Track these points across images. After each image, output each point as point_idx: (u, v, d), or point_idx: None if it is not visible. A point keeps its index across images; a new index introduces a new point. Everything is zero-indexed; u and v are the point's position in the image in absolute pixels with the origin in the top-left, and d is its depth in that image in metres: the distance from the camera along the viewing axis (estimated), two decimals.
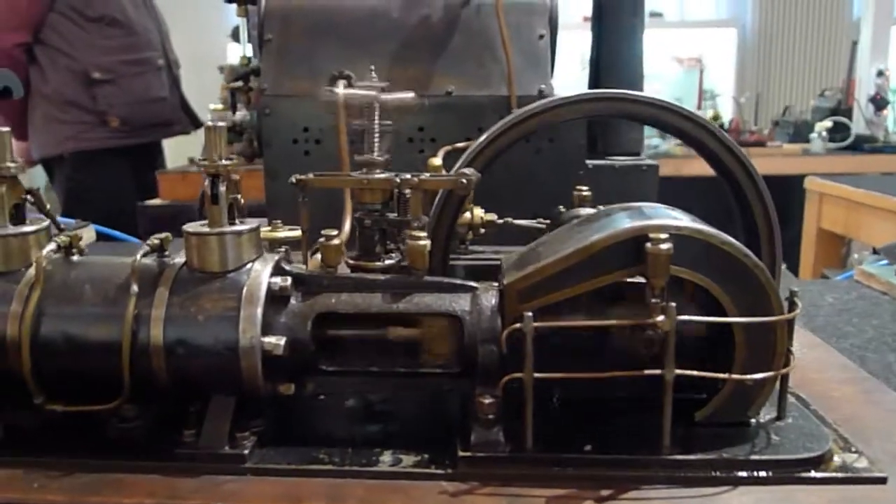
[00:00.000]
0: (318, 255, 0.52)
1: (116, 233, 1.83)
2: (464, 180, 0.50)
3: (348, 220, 0.95)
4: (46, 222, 0.48)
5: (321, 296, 0.46)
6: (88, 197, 2.10)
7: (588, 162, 1.06)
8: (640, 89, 1.13)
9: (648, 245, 0.40)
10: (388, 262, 0.53)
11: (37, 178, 2.60)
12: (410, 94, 0.56)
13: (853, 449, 0.43)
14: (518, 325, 0.41)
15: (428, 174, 0.53)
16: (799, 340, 0.64)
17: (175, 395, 0.45)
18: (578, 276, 0.43)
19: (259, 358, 0.43)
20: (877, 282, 1.29)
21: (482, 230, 0.83)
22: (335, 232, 0.47)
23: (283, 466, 0.42)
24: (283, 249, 0.51)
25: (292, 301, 0.46)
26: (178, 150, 2.42)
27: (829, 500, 0.39)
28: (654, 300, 0.41)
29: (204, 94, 2.39)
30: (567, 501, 0.40)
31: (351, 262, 0.53)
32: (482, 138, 0.56)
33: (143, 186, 2.23)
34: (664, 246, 0.40)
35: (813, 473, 0.41)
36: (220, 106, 2.13)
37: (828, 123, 3.07)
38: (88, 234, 1.52)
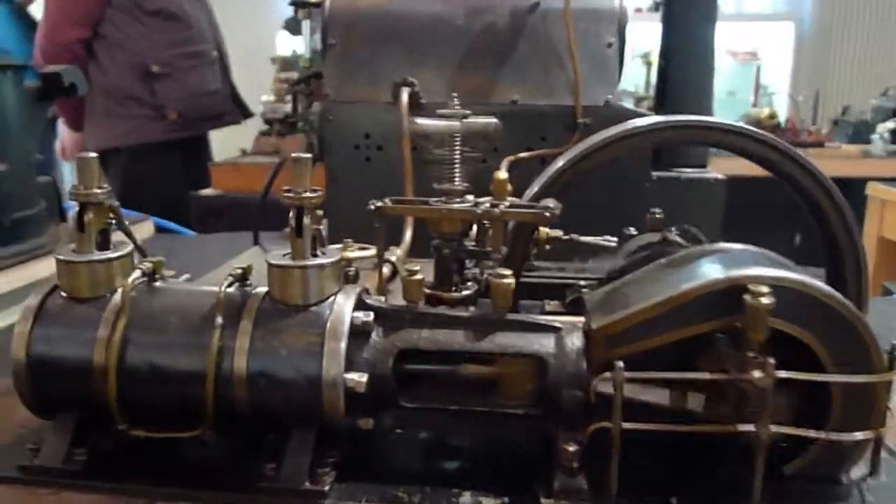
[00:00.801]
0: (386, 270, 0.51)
1: (173, 225, 1.87)
2: (547, 213, 0.49)
3: (410, 230, 0.95)
4: (130, 247, 0.48)
5: (403, 331, 0.45)
6: (144, 188, 2.14)
7: (653, 173, 1.04)
8: (711, 84, 1.09)
9: (748, 297, 0.39)
10: (465, 292, 0.52)
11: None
12: (493, 121, 0.55)
13: None
14: (608, 374, 0.40)
15: (507, 203, 0.52)
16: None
17: (255, 425, 0.45)
18: (670, 325, 0.41)
19: (342, 393, 0.43)
20: None
21: (547, 246, 0.82)
22: (417, 267, 0.46)
23: (364, 502, 0.42)
24: (352, 269, 0.51)
25: (374, 336, 0.45)
26: (226, 141, 2.45)
27: None
28: (750, 354, 0.40)
29: (253, 84, 2.41)
30: None
31: (428, 291, 0.52)
32: (557, 166, 0.55)
33: (195, 176, 2.26)
34: (765, 300, 0.39)
35: None
36: (272, 97, 2.14)
37: (890, 125, 2.97)
38: (147, 227, 1.55)
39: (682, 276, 0.43)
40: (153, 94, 2.00)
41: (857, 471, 0.44)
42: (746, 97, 3.69)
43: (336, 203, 1.08)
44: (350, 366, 0.44)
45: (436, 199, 0.53)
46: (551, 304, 0.77)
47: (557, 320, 0.46)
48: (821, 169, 0.52)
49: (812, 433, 0.41)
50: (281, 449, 0.44)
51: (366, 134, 1.04)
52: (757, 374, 0.39)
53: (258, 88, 2.33)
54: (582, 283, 0.68)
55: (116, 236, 0.49)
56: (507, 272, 0.45)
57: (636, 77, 3.27)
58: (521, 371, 0.45)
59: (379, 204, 0.52)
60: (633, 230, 0.74)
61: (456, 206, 0.51)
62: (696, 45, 1.09)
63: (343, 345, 0.43)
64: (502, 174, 0.88)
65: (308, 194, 0.45)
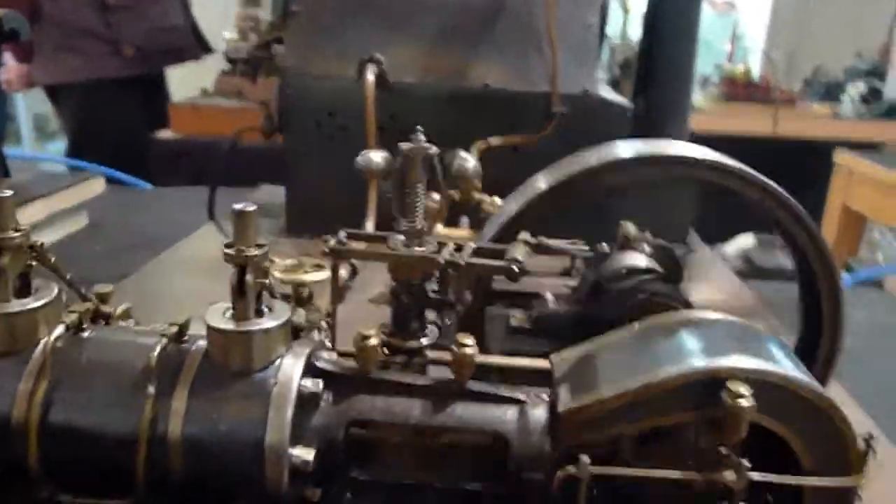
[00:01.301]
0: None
1: (127, 177, 1.78)
2: (514, 267, 0.46)
3: (371, 218, 0.90)
4: (55, 291, 0.43)
5: (355, 398, 0.42)
6: (98, 128, 2.04)
7: None
8: (696, 37, 1.04)
9: (726, 397, 0.36)
10: (423, 340, 0.49)
11: (39, 102, 2.52)
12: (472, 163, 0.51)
13: None
14: (573, 469, 0.37)
15: (472, 248, 0.48)
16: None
17: (192, 496, 0.42)
18: (643, 414, 0.39)
19: (286, 469, 0.39)
20: None
21: None
22: (372, 331, 0.42)
23: None
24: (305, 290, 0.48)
25: (323, 403, 0.42)
26: (185, 80, 2.33)
27: None
28: (724, 452, 0.37)
29: (215, 18, 2.28)
30: None
31: (384, 338, 0.48)
32: (514, 209, 0.51)
33: (152, 117, 2.17)
34: (745, 403, 0.36)
35: None
36: (235, 36, 2.03)
37: (861, 86, 2.95)
38: (98, 184, 1.47)
39: (657, 359, 0.40)
40: (108, 28, 1.88)
41: None
42: (722, 47, 3.64)
43: (294, 186, 1.03)
44: (297, 437, 0.40)
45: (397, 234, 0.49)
46: (517, 318, 0.74)
47: (521, 391, 0.43)
48: (791, 129, 0.50)
49: None
50: None
51: (329, 112, 0.98)
52: (730, 474, 0.37)
53: (221, 22, 2.20)
54: (549, 296, 0.65)
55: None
56: (470, 342, 0.42)
57: (613, 23, 3.18)
58: (484, 448, 0.42)
59: (332, 245, 0.47)
60: (605, 247, 0.70)
61: (418, 252, 0.46)
62: (682, 26, 1.04)
63: (289, 416, 0.40)
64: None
65: (253, 252, 0.40)
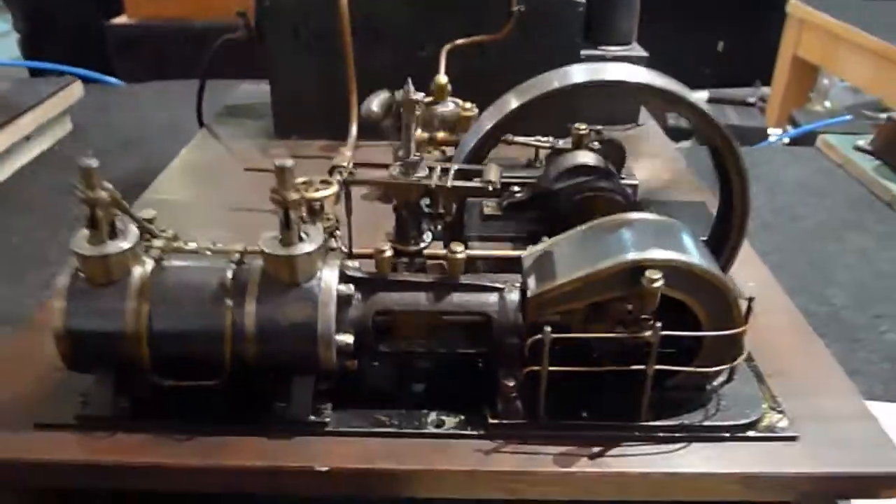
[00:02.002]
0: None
1: (99, 75, 1.82)
2: (490, 187, 0.59)
3: (355, 125, 1.01)
4: (136, 235, 0.56)
5: (377, 295, 0.57)
6: (50, 20, 2.03)
7: (582, 52, 1.11)
8: None
9: (643, 280, 0.51)
10: (422, 244, 0.63)
11: None
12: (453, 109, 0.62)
13: (779, 409, 0.59)
14: (539, 336, 0.53)
15: (455, 168, 0.61)
16: (756, 277, 0.78)
17: (264, 375, 0.57)
18: (588, 294, 0.54)
19: (334, 350, 0.55)
20: (836, 153, 1.40)
21: None
22: (386, 246, 0.56)
23: (355, 429, 0.56)
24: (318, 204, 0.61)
25: (355, 301, 0.56)
26: None
27: (749, 453, 0.55)
28: (644, 317, 0.53)
29: None
30: (568, 455, 0.55)
31: (390, 243, 0.63)
32: (483, 131, 0.63)
33: (106, 3, 2.15)
34: (656, 284, 0.51)
35: (747, 433, 0.56)
36: None
37: None
38: (77, 89, 1.52)
39: (597, 253, 0.54)
40: None
41: (718, 379, 0.60)
42: None
43: (278, 92, 1.11)
44: (338, 327, 0.55)
45: (396, 162, 0.62)
46: (489, 207, 0.88)
47: (500, 280, 0.58)
48: None
49: (689, 370, 0.56)
50: (286, 391, 0.56)
51: (304, 19, 1.05)
52: (648, 333, 0.53)
53: None
54: (515, 187, 0.78)
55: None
56: (460, 248, 0.56)
57: None
58: (474, 323, 0.57)
59: (347, 178, 0.60)
60: (560, 143, 0.84)
61: (413, 178, 0.59)
62: None
63: (332, 312, 0.54)
64: (442, 78, 0.94)
65: (293, 196, 0.53)
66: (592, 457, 0.55)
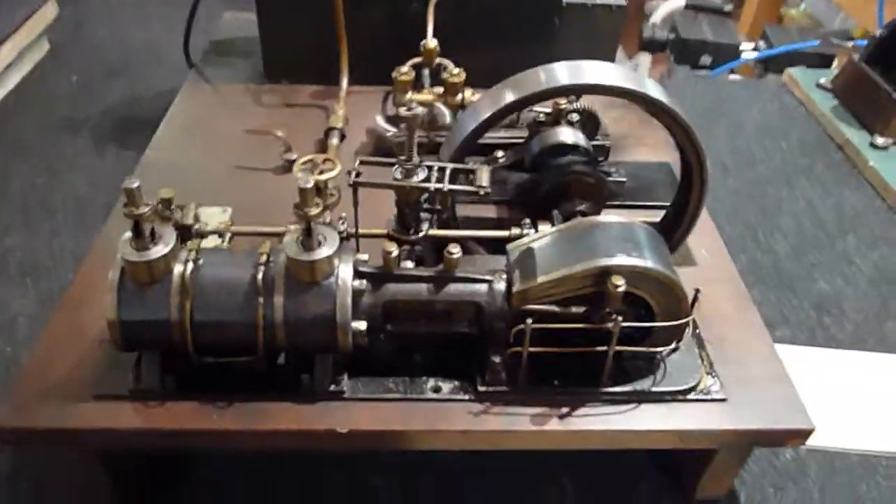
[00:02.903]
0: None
1: None
2: (481, 192, 0.68)
3: (345, 79, 1.06)
4: (173, 239, 0.64)
5: (386, 287, 0.67)
6: None
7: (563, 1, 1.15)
8: None
9: (609, 284, 0.62)
10: (420, 233, 0.72)
11: None
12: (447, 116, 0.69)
13: (713, 374, 0.71)
14: (521, 326, 0.64)
15: (450, 169, 0.69)
16: (709, 245, 0.89)
17: (291, 354, 0.67)
18: (562, 290, 0.65)
19: (350, 335, 0.65)
20: (799, 90, 1.49)
21: None
22: (393, 246, 0.65)
23: (369, 395, 0.68)
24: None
25: (367, 293, 0.66)
26: None
27: (686, 413, 0.68)
28: (608, 311, 0.64)
29: None
30: (542, 416, 0.67)
31: (391, 233, 0.72)
32: (467, 131, 0.72)
33: None
34: (620, 289, 0.62)
35: (686, 397, 0.69)
36: None
37: None
38: (51, 9, 1.50)
39: (571, 256, 0.65)
40: None
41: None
42: None
43: (268, 37, 1.14)
44: (354, 315, 0.65)
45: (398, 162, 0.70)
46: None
47: (489, 273, 0.68)
48: None
49: (643, 350, 0.68)
50: (310, 366, 0.67)
51: None
52: (611, 324, 0.64)
53: None
54: (500, 152, 0.86)
55: None
56: (456, 249, 0.66)
57: None
58: (468, 309, 0.68)
59: (354, 180, 0.68)
60: (541, 115, 0.91)
61: (414, 182, 0.68)
62: None
63: (348, 304, 0.64)
64: (431, 42, 1.00)
65: (313, 212, 0.61)
66: (561, 416, 0.68)
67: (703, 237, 0.88)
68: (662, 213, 0.86)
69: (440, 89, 1.01)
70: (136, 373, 0.67)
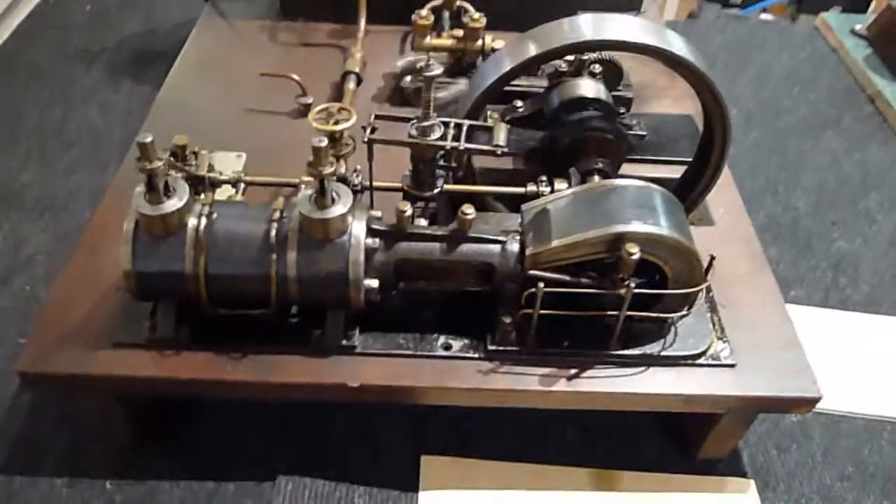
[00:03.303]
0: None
1: None
2: (498, 151, 0.67)
3: (363, 20, 1.03)
4: (186, 192, 0.64)
5: (398, 245, 0.66)
6: None
7: None
8: None
9: (623, 251, 0.61)
10: (435, 190, 0.71)
11: None
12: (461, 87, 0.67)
13: (724, 339, 0.72)
14: (533, 289, 0.64)
15: (467, 126, 0.68)
16: (728, 203, 0.87)
17: (303, 309, 0.68)
18: (578, 254, 0.64)
19: (362, 293, 0.66)
20: (832, 36, 1.43)
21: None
22: (407, 206, 0.65)
23: (379, 351, 0.69)
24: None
25: (379, 251, 0.66)
26: None
27: (694, 378, 0.69)
28: (621, 277, 0.64)
29: None
30: (551, 376, 0.68)
31: (407, 188, 0.71)
32: (511, 65, 0.70)
33: None
34: (634, 256, 0.61)
35: (697, 362, 0.70)
36: None
37: None
38: None
39: (587, 219, 0.64)
40: None
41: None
42: None
43: None
44: (367, 273, 0.65)
45: (413, 119, 0.68)
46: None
47: (503, 235, 0.67)
48: None
49: (655, 315, 0.67)
50: (322, 321, 0.68)
51: None
52: (622, 290, 0.64)
53: None
54: (518, 102, 0.84)
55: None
56: (470, 210, 0.65)
57: None
58: (480, 268, 0.68)
59: (369, 136, 0.67)
60: (563, 65, 0.89)
61: (430, 139, 0.67)
62: None
63: (361, 261, 0.64)
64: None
65: (327, 170, 0.60)
66: (569, 378, 0.68)
67: (723, 195, 0.87)
68: (683, 168, 0.85)
69: (460, 32, 0.98)
70: (152, 322, 0.68)
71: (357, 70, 0.97)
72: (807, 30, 1.47)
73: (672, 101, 1.04)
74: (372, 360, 0.69)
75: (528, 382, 0.68)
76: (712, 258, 0.67)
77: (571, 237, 0.64)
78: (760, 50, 1.40)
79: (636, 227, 0.63)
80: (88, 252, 0.77)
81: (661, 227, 0.63)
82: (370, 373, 0.68)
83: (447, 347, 0.70)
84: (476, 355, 0.69)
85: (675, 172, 0.88)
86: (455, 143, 0.67)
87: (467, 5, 0.96)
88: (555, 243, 0.64)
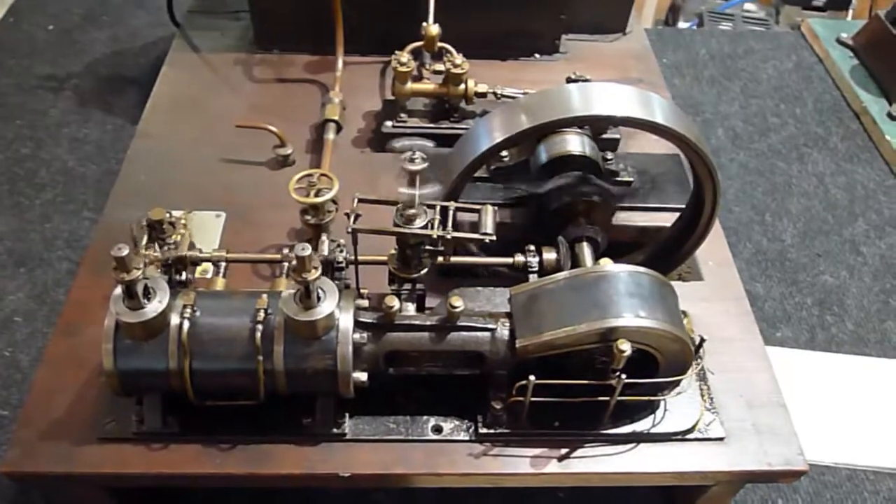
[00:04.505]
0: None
1: None
2: (486, 240, 0.65)
3: (341, 59, 1.00)
4: (167, 292, 0.62)
5: (387, 337, 0.65)
6: None
7: None
8: None
9: (615, 347, 0.61)
10: (422, 272, 0.70)
11: None
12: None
13: (713, 410, 0.72)
14: (525, 381, 0.64)
15: (453, 211, 0.67)
16: (716, 256, 0.87)
17: (292, 399, 0.67)
18: (569, 344, 0.64)
19: (352, 385, 0.65)
20: (818, 45, 1.41)
21: (475, 100, 0.94)
22: (395, 302, 0.64)
23: (370, 437, 0.68)
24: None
25: (367, 343, 0.65)
26: None
27: (685, 453, 0.69)
28: (613, 368, 0.63)
29: None
30: (543, 456, 0.68)
31: (393, 269, 0.70)
32: (502, 137, 0.69)
33: None
34: (626, 353, 0.61)
35: (686, 437, 0.70)
36: None
37: None
38: None
39: (577, 312, 0.63)
40: None
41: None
42: None
43: (259, 5, 1.06)
44: (355, 366, 0.64)
45: (398, 203, 0.67)
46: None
47: (492, 321, 0.66)
48: None
49: (644, 398, 0.67)
50: (312, 409, 0.67)
51: None
52: (613, 382, 0.64)
53: None
54: (504, 154, 0.83)
55: None
56: (458, 303, 0.64)
57: None
58: (469, 356, 0.67)
59: (357, 228, 0.65)
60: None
61: (417, 230, 0.65)
62: None
63: (349, 357, 0.63)
64: (433, 28, 0.94)
65: (312, 275, 0.59)
66: (560, 458, 0.69)
67: (711, 247, 0.86)
68: (672, 215, 0.84)
69: (441, 67, 0.95)
70: (139, 414, 0.67)
71: (336, 118, 0.94)
72: (791, 40, 1.45)
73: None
74: (362, 446, 0.68)
75: (520, 465, 0.68)
76: (702, 340, 0.67)
77: (563, 329, 0.63)
78: (746, 61, 1.38)
79: (628, 320, 0.62)
80: (67, 333, 0.76)
81: (652, 320, 0.63)
82: (361, 461, 0.67)
83: (437, 430, 0.69)
84: (467, 437, 0.69)
85: (665, 221, 0.87)
86: (442, 233, 0.65)
87: (448, 47, 0.94)
88: (546, 336, 0.64)
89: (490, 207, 0.68)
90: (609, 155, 0.92)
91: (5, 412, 0.84)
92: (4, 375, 0.88)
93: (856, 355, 0.94)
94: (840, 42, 1.37)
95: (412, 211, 0.66)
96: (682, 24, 1.74)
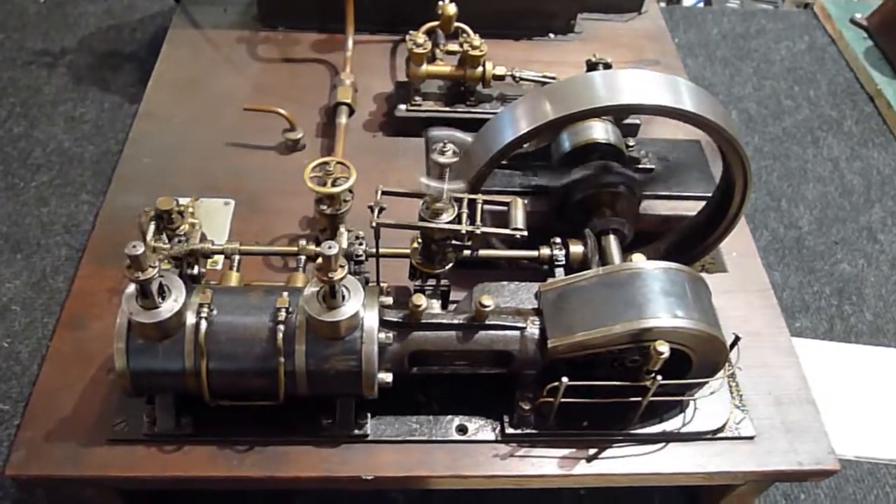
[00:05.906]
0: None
1: None
2: (517, 235, 0.63)
3: (350, 39, 0.96)
4: (182, 292, 0.59)
5: (412, 336, 0.63)
6: None
7: None
8: None
9: (652, 349, 0.59)
10: (447, 266, 0.67)
11: None
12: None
13: (743, 409, 0.70)
14: (556, 383, 0.61)
15: (482, 201, 0.64)
16: (739, 249, 0.84)
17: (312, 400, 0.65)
18: (601, 344, 0.61)
19: (376, 385, 0.62)
20: (831, 26, 1.38)
21: (492, 82, 0.90)
22: (422, 300, 0.61)
23: (392, 438, 0.66)
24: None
25: (393, 343, 0.62)
26: None
27: (714, 452, 0.68)
28: (646, 369, 0.61)
29: None
30: (570, 457, 0.66)
31: (416, 263, 0.67)
32: (528, 128, 0.67)
33: None
34: (663, 355, 0.59)
35: (716, 436, 0.68)
36: None
37: None
38: None
39: (611, 312, 0.61)
40: None
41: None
42: None
43: None
44: (380, 366, 0.62)
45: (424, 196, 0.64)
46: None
47: (521, 319, 0.64)
48: None
49: (674, 398, 0.65)
50: (332, 409, 0.65)
51: None
52: (648, 383, 0.61)
53: None
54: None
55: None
56: (488, 302, 0.61)
57: None
58: (497, 355, 0.64)
59: (381, 222, 0.62)
60: None
61: (445, 224, 0.62)
62: None
63: (375, 357, 0.61)
64: (451, 8, 0.90)
65: (338, 275, 0.56)
66: (589, 459, 0.67)
67: (736, 238, 0.84)
68: (696, 203, 0.82)
69: (456, 47, 0.91)
70: (151, 414, 0.64)
71: (348, 101, 0.90)
72: (804, 20, 1.42)
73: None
74: (384, 447, 0.66)
75: (547, 466, 0.66)
76: (737, 338, 0.65)
77: (597, 330, 0.61)
78: (759, 42, 1.35)
79: (665, 321, 0.60)
80: (71, 327, 0.72)
81: (689, 320, 0.61)
82: (383, 462, 0.65)
83: (462, 430, 0.67)
84: (492, 438, 0.67)
85: (688, 209, 0.85)
86: (472, 228, 0.62)
87: (465, 27, 0.90)
88: (579, 336, 0.61)
89: (519, 200, 0.65)
90: (631, 141, 0.89)
91: (6, 406, 0.81)
92: (3, 367, 0.84)
93: (875, 346, 0.92)
94: (854, 22, 1.34)
95: (440, 205, 0.63)
96: (686, 2, 1.70)
